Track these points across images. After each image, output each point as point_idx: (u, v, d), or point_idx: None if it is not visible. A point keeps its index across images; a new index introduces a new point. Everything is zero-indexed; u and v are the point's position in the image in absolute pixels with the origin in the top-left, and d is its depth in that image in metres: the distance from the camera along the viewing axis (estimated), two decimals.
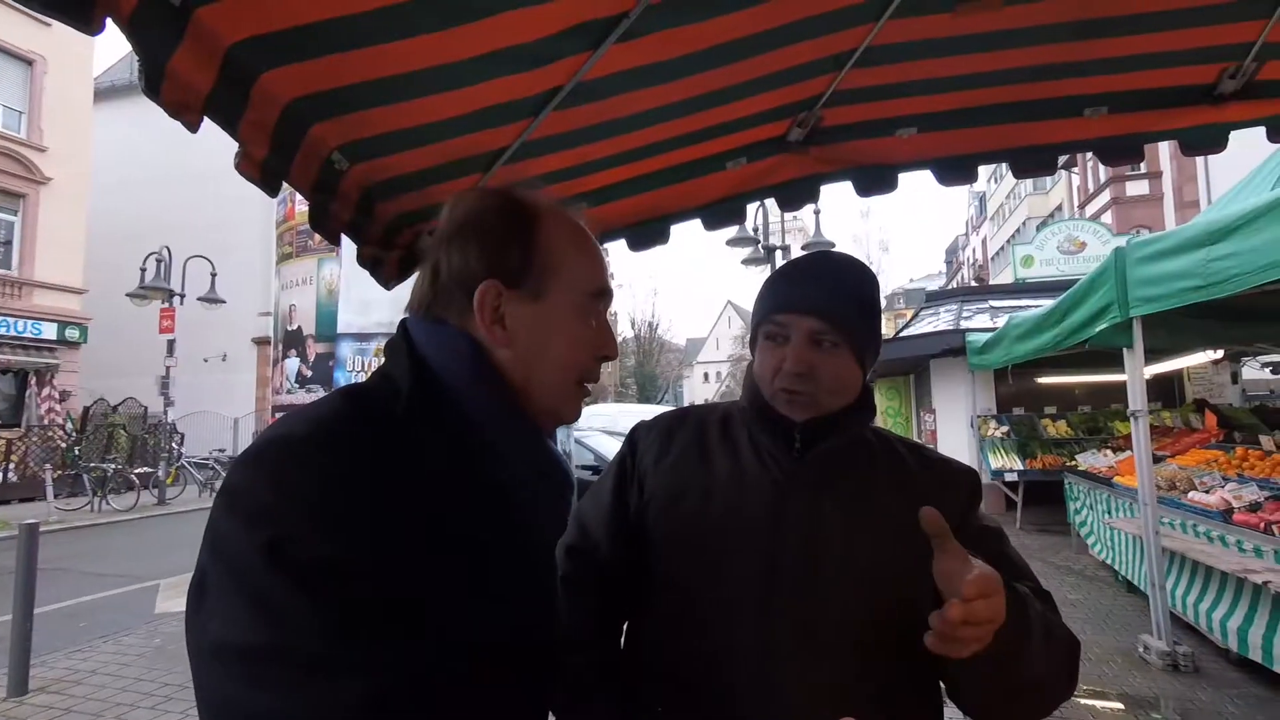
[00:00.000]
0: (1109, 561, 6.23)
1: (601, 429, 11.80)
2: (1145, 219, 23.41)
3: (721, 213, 2.05)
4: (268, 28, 1.19)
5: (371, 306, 4.48)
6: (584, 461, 8.61)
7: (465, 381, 0.75)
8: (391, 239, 1.88)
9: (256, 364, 22.84)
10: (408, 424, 0.71)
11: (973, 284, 38.41)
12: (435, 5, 1.25)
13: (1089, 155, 2.06)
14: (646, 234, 2.06)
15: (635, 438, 1.10)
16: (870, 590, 0.89)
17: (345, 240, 4.87)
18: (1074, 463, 7.63)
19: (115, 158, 22.77)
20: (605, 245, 2.12)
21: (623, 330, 53.28)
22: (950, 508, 0.95)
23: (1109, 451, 7.19)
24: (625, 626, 1.06)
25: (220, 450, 17.09)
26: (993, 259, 41.68)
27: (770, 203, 2.17)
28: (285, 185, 4.73)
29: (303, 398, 4.64)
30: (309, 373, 4.57)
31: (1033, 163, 2.03)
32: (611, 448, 10.68)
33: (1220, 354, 6.71)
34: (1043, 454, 8.91)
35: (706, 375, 65.69)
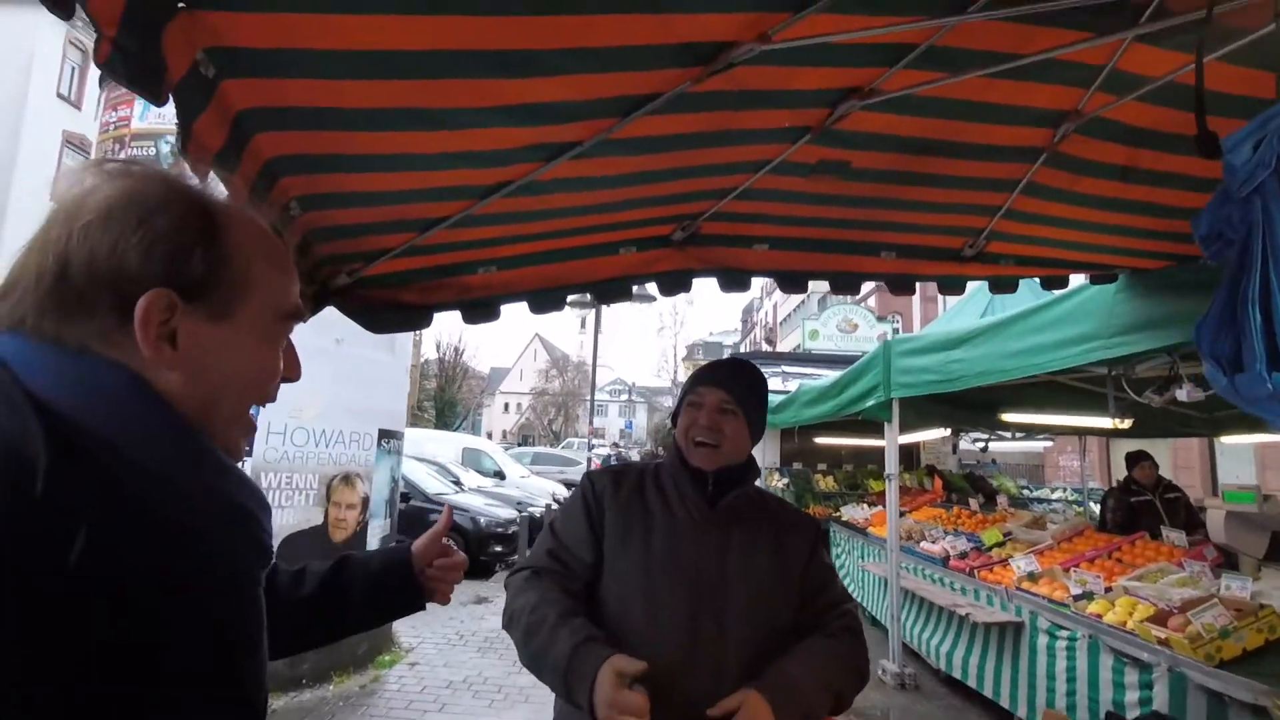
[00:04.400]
0: (860, 600, 7.42)
1: (411, 455, 11.39)
2: (898, 306, 28.44)
3: (611, 290, 2.43)
4: (273, 101, 1.35)
5: None
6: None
7: (128, 430, 0.58)
8: (313, 276, 1.99)
9: None
10: (51, 506, 0.51)
11: (764, 344, 42.87)
12: (419, 113, 1.48)
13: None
14: (546, 300, 2.37)
15: (591, 481, 1.45)
16: (760, 599, 1.31)
17: None
18: (839, 514, 8.95)
19: None
20: (507, 305, 2.38)
21: (426, 353, 51.01)
22: (803, 541, 1.42)
23: (865, 506, 8.56)
24: None
25: None
26: (781, 323, 46.92)
27: None
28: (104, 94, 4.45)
29: None
30: None
31: (844, 284, 2.68)
32: (422, 475, 10.38)
33: (948, 431, 8.41)
34: (814, 504, 10.29)
35: (507, 405, 64.68)
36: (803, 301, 39.87)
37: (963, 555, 5.41)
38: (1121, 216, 2.25)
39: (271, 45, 1.22)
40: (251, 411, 0.73)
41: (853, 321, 15.94)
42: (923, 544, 6.05)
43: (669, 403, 55.27)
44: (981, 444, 8.95)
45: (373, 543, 4.98)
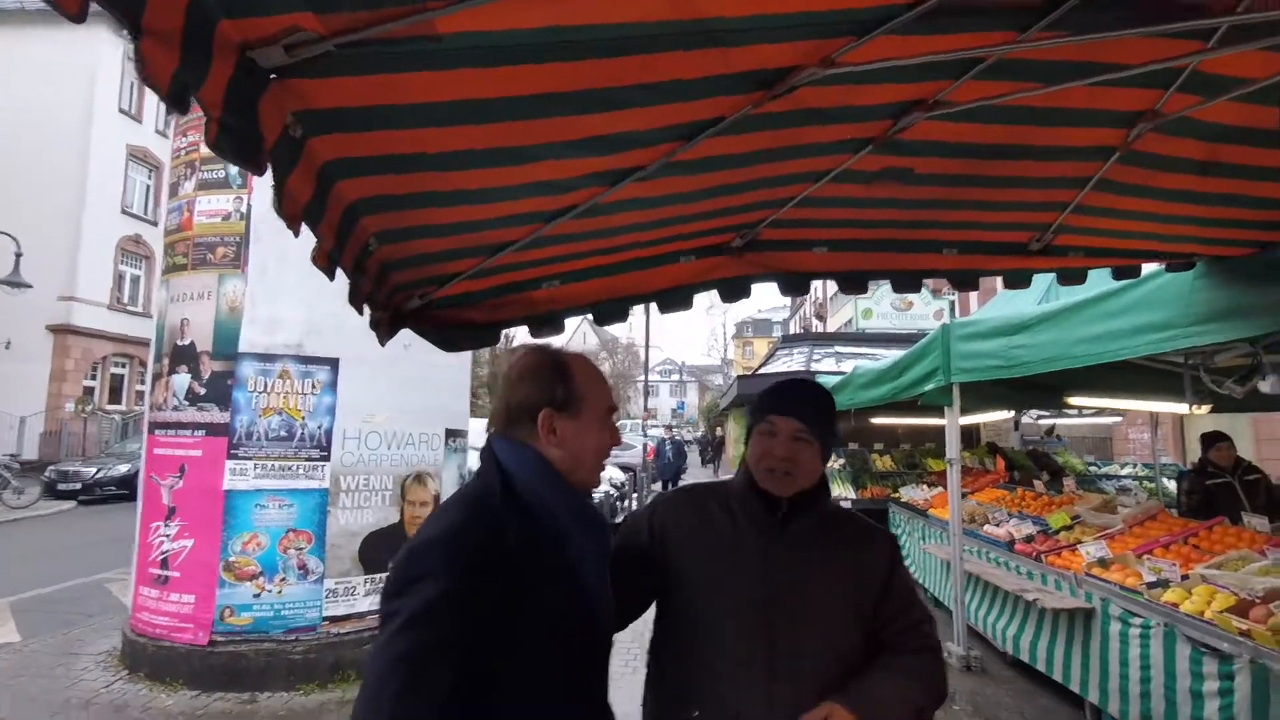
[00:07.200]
0: (921, 581, 7.36)
1: (472, 446, 11.70)
2: None
3: (672, 299, 2.47)
4: (358, 152, 1.43)
5: (279, 326, 4.30)
6: None
7: (533, 478, 1.20)
8: (390, 302, 2.09)
9: (52, 355, 19.47)
10: (502, 513, 1.13)
11: (814, 320, 42.17)
12: (497, 152, 1.55)
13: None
14: (609, 312, 2.42)
15: (657, 503, 1.53)
16: (836, 617, 1.35)
17: (254, 252, 4.92)
18: (897, 494, 8.86)
19: None
20: (572, 319, 2.45)
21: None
22: (880, 558, 1.44)
23: (925, 486, 8.44)
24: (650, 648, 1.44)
25: (11, 455, 14.60)
26: (831, 298, 45.95)
27: None
28: (179, 195, 4.76)
29: (193, 415, 4.32)
30: (202, 390, 4.25)
31: (905, 282, 2.66)
32: None
33: (1011, 413, 8.19)
34: (871, 485, 10.19)
35: None
36: None
37: (1029, 539, 5.31)
38: (1200, 208, 2.17)
39: (357, 104, 1.29)
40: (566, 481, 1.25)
41: (907, 300, 15.58)
42: (986, 527, 5.96)
43: (720, 381, 54.95)
44: (1048, 425, 8.67)
45: None
